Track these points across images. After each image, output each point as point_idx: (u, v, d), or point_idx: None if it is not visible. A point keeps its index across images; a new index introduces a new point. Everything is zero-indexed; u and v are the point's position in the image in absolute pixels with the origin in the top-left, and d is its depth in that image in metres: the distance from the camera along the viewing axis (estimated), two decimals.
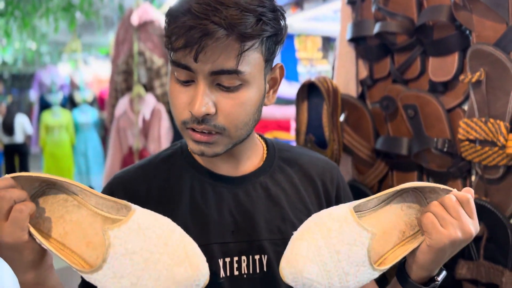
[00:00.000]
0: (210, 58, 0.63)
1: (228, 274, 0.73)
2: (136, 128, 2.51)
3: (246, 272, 0.74)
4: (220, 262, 0.73)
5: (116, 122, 2.63)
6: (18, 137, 5.61)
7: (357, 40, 1.31)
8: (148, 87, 2.53)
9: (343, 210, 0.66)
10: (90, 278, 0.59)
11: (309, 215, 0.76)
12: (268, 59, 0.70)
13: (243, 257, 0.74)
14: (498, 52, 0.94)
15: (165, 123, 2.43)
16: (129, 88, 2.62)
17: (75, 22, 3.97)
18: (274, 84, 0.77)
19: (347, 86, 1.34)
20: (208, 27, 0.60)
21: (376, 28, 1.18)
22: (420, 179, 1.18)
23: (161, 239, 0.60)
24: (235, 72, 0.65)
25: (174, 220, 0.72)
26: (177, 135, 2.36)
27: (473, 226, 0.64)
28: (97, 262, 0.60)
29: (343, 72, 1.35)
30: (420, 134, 1.11)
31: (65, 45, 6.83)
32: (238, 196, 0.77)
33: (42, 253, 0.63)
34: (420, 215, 0.67)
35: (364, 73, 1.31)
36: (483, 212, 1.00)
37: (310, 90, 1.31)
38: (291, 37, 2.52)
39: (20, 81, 11.58)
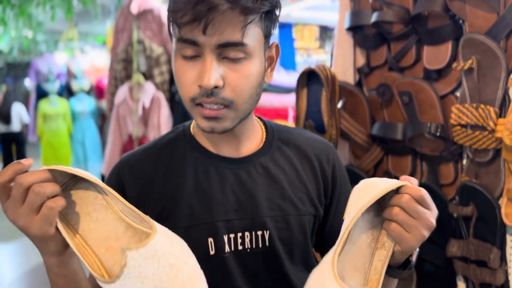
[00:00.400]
0: (217, 30, 0.66)
1: (232, 249, 0.78)
2: (136, 116, 2.55)
3: (249, 246, 0.78)
4: (225, 238, 0.77)
5: (116, 110, 2.66)
6: (15, 126, 5.62)
7: (355, 29, 1.35)
8: (148, 75, 2.56)
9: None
10: (103, 285, 0.61)
11: (307, 193, 0.82)
12: (267, 35, 0.74)
13: (246, 233, 0.78)
14: (489, 41, 0.99)
15: (164, 110, 2.46)
16: (128, 77, 2.65)
17: (72, 11, 3.96)
18: (271, 62, 0.80)
19: (345, 73, 1.39)
20: (214, 1, 0.63)
21: (373, 17, 1.22)
22: (414, 163, 1.24)
23: (173, 270, 0.62)
24: (240, 44, 0.68)
25: (180, 200, 0.78)
26: (176, 123, 2.40)
27: (433, 217, 0.64)
28: (112, 270, 0.63)
29: (341, 60, 1.40)
30: (414, 120, 1.16)
31: (61, 33, 6.80)
32: (240, 176, 0.80)
33: (66, 243, 0.64)
34: (385, 226, 0.66)
35: (361, 61, 1.35)
36: (473, 193, 1.06)
37: (309, 78, 1.35)
38: (289, 26, 2.55)
39: (15, 69, 11.53)
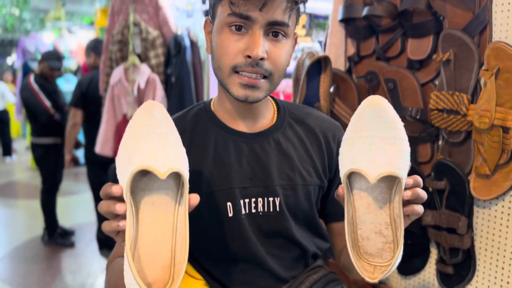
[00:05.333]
0: (270, 10, 0.76)
1: (247, 211, 0.88)
2: (131, 96, 2.62)
3: (262, 210, 0.88)
4: (241, 202, 0.87)
5: (111, 90, 2.72)
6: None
7: (347, 21, 1.45)
8: (143, 58, 2.62)
9: None
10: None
11: (313, 165, 0.92)
12: (296, 23, 0.85)
13: (260, 199, 0.88)
14: (465, 36, 1.12)
15: (159, 92, 2.53)
16: (123, 58, 2.70)
17: None
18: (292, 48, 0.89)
19: (337, 61, 1.51)
20: None
21: (364, 11, 1.33)
22: None
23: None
24: (285, 24, 0.79)
25: (202, 169, 0.86)
26: (171, 105, 2.48)
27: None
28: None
29: (333, 49, 1.51)
30: (397, 104, 1.29)
31: (47, 12, 6.73)
32: (255, 149, 0.89)
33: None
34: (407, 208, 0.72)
35: (352, 50, 1.47)
36: (446, 170, 1.20)
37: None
38: None
39: None
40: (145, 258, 0.64)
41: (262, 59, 0.78)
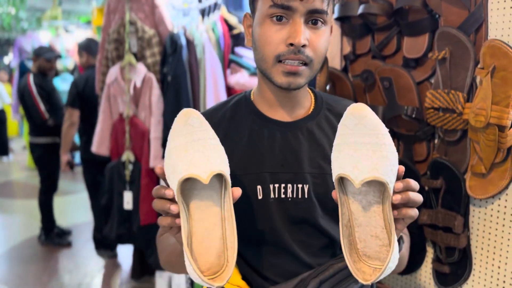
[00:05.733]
0: None
1: (276, 196, 0.91)
2: (127, 95, 2.61)
3: (290, 196, 0.91)
4: (271, 186, 0.91)
5: (107, 89, 2.71)
6: None
7: (342, 19, 1.45)
8: (139, 57, 2.61)
9: None
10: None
11: None
12: (333, 11, 0.89)
13: (289, 185, 0.91)
14: (461, 34, 1.11)
15: (156, 91, 2.52)
16: (119, 57, 2.69)
17: None
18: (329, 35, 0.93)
19: (333, 60, 1.50)
20: None
21: (360, 9, 1.32)
22: None
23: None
24: (324, 12, 0.83)
25: (236, 153, 0.92)
26: (167, 104, 2.47)
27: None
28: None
29: (329, 47, 1.51)
30: (393, 103, 1.29)
31: (43, 11, 6.71)
32: (288, 137, 0.93)
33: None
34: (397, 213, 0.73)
35: (347, 49, 1.47)
36: (442, 169, 1.20)
37: None
38: None
39: None
40: (200, 248, 0.73)
41: (303, 46, 0.82)
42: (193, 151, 0.72)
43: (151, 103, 2.57)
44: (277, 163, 0.91)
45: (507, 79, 1.02)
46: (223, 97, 2.32)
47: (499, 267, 1.13)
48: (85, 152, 3.36)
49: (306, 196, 0.91)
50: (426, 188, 1.25)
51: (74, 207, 5.01)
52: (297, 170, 0.91)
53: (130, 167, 2.65)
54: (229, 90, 2.42)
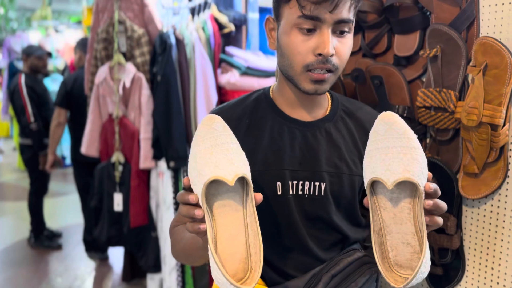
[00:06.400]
0: (338, 10, 0.83)
1: (294, 192, 0.94)
2: (116, 96, 2.58)
3: (307, 193, 0.94)
4: (290, 183, 0.94)
5: (96, 89, 2.67)
6: None
7: None
8: (128, 56, 2.58)
9: None
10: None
11: (360, 158, 0.96)
12: (355, 19, 0.91)
13: (307, 182, 0.94)
14: (452, 32, 1.09)
15: (145, 91, 2.49)
16: (108, 57, 2.66)
17: None
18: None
19: None
20: None
21: None
22: None
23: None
24: (350, 21, 0.86)
25: (257, 149, 0.95)
26: (158, 104, 2.43)
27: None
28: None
29: None
30: (384, 102, 1.27)
31: (34, 11, 6.64)
32: (307, 136, 0.96)
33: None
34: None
35: None
36: (434, 168, 1.18)
37: None
38: (269, 11, 2.61)
39: None
40: (225, 253, 0.74)
41: (332, 55, 0.85)
42: (217, 154, 0.75)
43: (140, 103, 2.54)
44: (296, 161, 0.95)
45: (499, 77, 1.00)
46: (213, 97, 2.30)
47: (492, 269, 1.11)
48: (75, 152, 3.32)
49: (322, 193, 0.94)
50: None
51: (65, 209, 4.96)
52: (315, 169, 0.94)
53: (120, 168, 2.62)
54: (220, 89, 2.39)
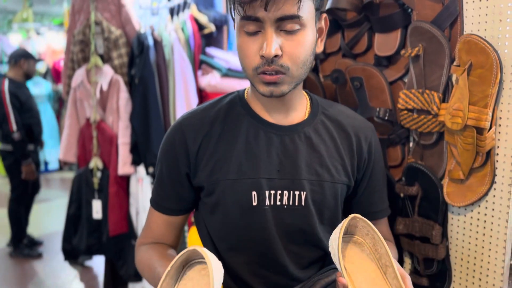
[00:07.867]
0: (276, 6, 0.76)
1: (272, 203, 0.88)
2: (94, 99, 2.49)
3: (286, 203, 0.88)
4: (267, 193, 0.88)
5: (73, 93, 2.58)
6: None
7: None
8: (106, 58, 2.50)
9: None
10: None
11: (342, 164, 0.91)
12: (317, 8, 0.84)
13: (285, 192, 0.88)
14: (434, 29, 1.03)
15: (123, 94, 2.41)
16: (85, 59, 2.57)
17: None
18: (321, 33, 0.89)
19: None
20: None
21: (328, 4, 1.23)
22: None
23: None
24: (296, 17, 0.78)
25: (230, 156, 0.89)
26: (136, 106, 2.35)
27: None
28: None
29: None
30: (364, 104, 1.20)
31: (15, 13, 6.51)
32: (285, 142, 0.90)
33: None
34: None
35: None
36: (418, 174, 1.12)
37: None
38: None
39: None
40: None
41: (276, 56, 0.79)
42: None
43: (118, 107, 2.45)
44: (273, 169, 0.89)
45: (485, 77, 0.94)
46: (193, 99, 2.22)
47: (480, 279, 1.05)
48: None
49: (303, 203, 0.88)
50: (402, 195, 1.17)
51: (48, 215, 4.84)
52: (294, 177, 0.88)
53: (99, 174, 2.53)
54: (200, 92, 2.32)
